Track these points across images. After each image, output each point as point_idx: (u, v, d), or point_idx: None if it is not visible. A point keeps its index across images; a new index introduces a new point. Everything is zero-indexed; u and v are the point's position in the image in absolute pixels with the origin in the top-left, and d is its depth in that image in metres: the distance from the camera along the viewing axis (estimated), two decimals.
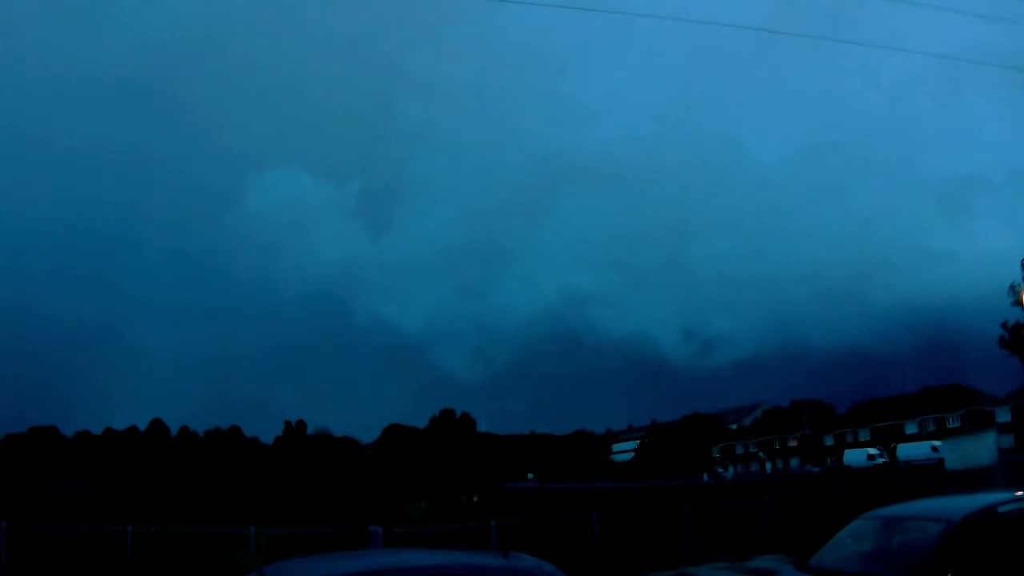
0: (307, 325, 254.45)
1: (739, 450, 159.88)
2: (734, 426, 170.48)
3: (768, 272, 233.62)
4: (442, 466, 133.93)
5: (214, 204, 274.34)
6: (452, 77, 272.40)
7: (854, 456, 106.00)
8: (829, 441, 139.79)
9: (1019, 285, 73.58)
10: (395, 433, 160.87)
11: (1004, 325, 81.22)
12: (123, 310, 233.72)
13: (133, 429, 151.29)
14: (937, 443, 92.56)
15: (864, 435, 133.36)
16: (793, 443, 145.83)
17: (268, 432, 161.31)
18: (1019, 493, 12.09)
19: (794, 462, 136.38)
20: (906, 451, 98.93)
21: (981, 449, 72.35)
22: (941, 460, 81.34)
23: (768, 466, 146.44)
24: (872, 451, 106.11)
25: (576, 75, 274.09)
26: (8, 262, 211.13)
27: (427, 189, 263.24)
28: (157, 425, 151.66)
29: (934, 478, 55.67)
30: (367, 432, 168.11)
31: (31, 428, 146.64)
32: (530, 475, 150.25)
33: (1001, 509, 11.44)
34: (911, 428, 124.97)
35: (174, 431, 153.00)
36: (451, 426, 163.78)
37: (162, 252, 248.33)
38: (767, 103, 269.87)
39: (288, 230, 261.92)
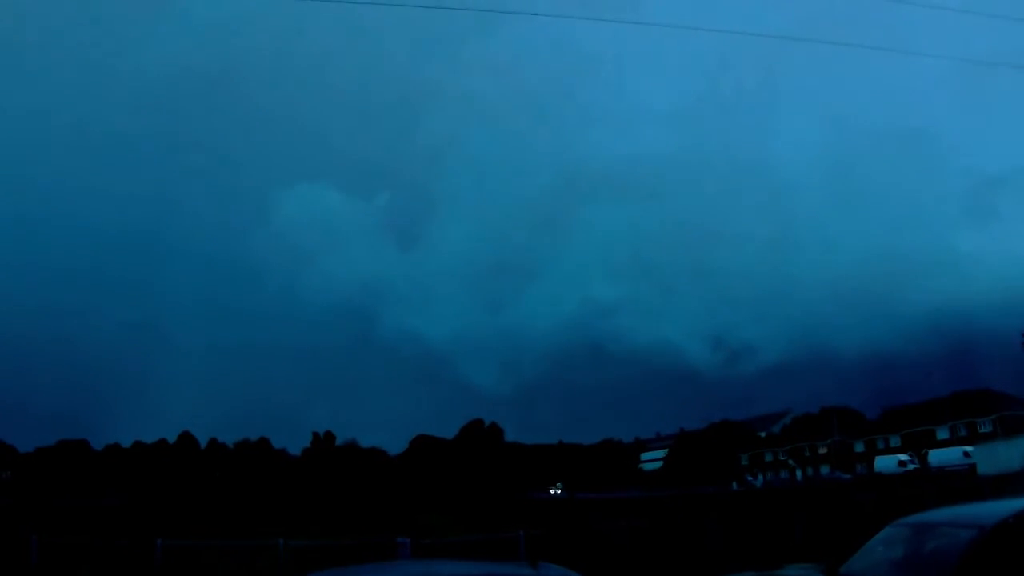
0: (335, 337, 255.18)
1: (768, 458, 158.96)
2: (763, 433, 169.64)
3: (795, 278, 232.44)
4: (470, 476, 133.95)
5: (244, 220, 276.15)
6: (477, 91, 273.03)
7: (885, 463, 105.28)
8: (859, 448, 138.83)
9: None
10: (423, 443, 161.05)
11: None
12: (152, 324, 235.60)
13: (163, 442, 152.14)
14: (969, 448, 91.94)
15: (895, 441, 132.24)
16: (823, 450, 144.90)
17: (296, 443, 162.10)
18: None
19: (824, 469, 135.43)
20: (937, 457, 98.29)
21: (1013, 454, 71.79)
22: (973, 465, 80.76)
23: (798, 474, 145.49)
24: (903, 457, 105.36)
25: (601, 87, 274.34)
26: (39, 278, 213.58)
27: (453, 202, 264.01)
28: (186, 438, 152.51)
29: (966, 484, 55.21)
30: (395, 443, 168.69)
31: (60, 441, 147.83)
32: (559, 485, 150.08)
33: None
34: (942, 433, 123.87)
35: (203, 443, 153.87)
36: (479, 436, 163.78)
37: (193, 267, 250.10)
38: (791, 110, 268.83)
39: (317, 244, 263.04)
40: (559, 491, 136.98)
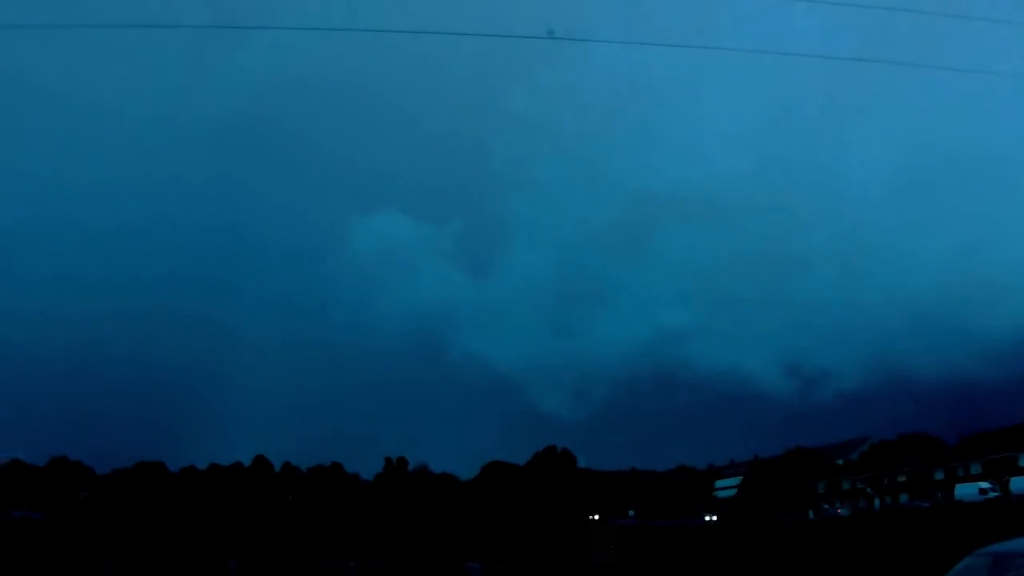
0: (408, 363, 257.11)
1: (846, 486, 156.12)
2: (840, 461, 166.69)
3: (871, 302, 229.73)
4: (543, 503, 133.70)
5: (319, 246, 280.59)
6: (548, 119, 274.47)
7: (966, 491, 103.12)
8: (939, 475, 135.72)
9: None
10: (495, 470, 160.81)
11: None
12: (228, 349, 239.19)
13: (238, 465, 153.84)
14: None
15: (976, 469, 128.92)
16: (902, 478, 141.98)
17: (369, 468, 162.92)
18: None
19: (903, 498, 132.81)
20: (1020, 485, 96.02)
21: None
22: None
23: (876, 502, 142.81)
24: (984, 485, 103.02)
25: (671, 113, 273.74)
26: (120, 300, 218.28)
27: (524, 229, 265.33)
28: (261, 461, 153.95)
29: None
30: (466, 468, 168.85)
31: (138, 463, 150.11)
32: (631, 512, 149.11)
33: None
34: None
35: (277, 467, 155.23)
36: (552, 463, 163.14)
37: (268, 294, 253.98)
38: (864, 132, 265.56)
39: (390, 271, 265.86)
40: (631, 518, 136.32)
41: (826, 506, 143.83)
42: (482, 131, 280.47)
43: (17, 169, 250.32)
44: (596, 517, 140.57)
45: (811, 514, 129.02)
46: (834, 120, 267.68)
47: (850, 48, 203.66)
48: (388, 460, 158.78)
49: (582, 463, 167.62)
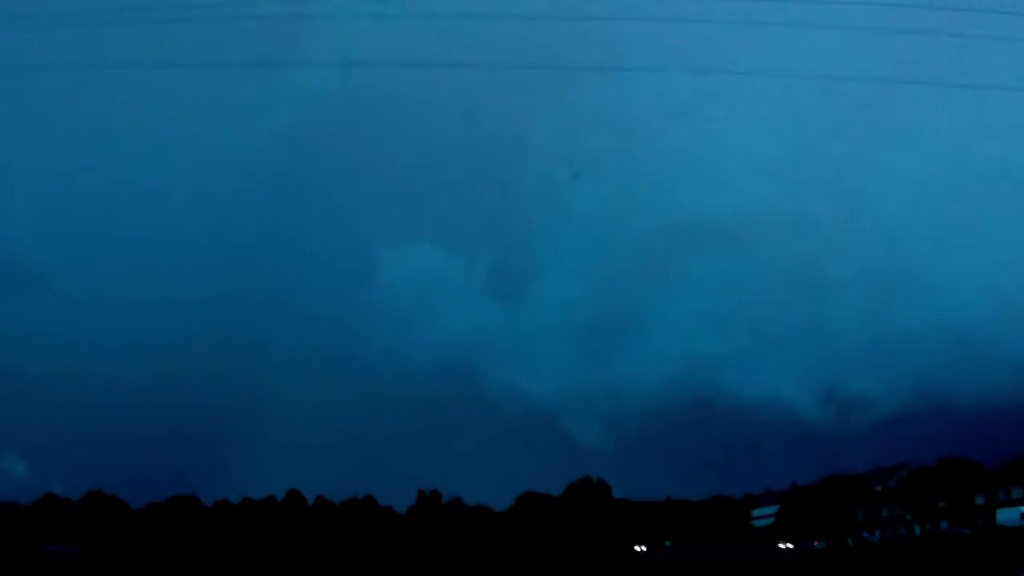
0: (439, 395, 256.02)
1: (885, 513, 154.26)
2: (879, 488, 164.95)
3: (908, 326, 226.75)
4: (579, 533, 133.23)
5: (349, 277, 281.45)
6: (578, 146, 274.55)
7: (1007, 516, 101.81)
8: (980, 501, 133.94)
9: None
10: (530, 501, 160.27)
11: None
12: (261, 383, 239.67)
13: (271, 499, 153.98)
14: None
15: (1017, 493, 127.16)
16: (942, 504, 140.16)
17: (402, 501, 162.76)
18: None
19: (944, 524, 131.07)
20: None
21: None
22: None
23: (916, 529, 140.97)
24: None
25: (702, 138, 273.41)
26: (151, 337, 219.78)
27: (555, 257, 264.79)
28: (294, 495, 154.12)
29: None
30: (499, 500, 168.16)
31: (172, 497, 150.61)
32: (667, 542, 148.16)
33: None
34: None
35: (311, 501, 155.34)
36: (587, 493, 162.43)
37: (300, 327, 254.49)
38: (896, 152, 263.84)
39: (420, 301, 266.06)
40: (668, 548, 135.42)
41: (865, 533, 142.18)
42: (512, 160, 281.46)
43: (37, 189, 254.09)
44: (643, 548, 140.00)
45: (849, 542, 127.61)
46: (865, 141, 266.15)
47: (880, 68, 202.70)
48: (421, 493, 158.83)
49: (617, 493, 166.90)
